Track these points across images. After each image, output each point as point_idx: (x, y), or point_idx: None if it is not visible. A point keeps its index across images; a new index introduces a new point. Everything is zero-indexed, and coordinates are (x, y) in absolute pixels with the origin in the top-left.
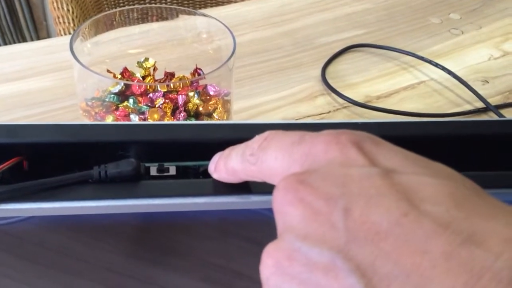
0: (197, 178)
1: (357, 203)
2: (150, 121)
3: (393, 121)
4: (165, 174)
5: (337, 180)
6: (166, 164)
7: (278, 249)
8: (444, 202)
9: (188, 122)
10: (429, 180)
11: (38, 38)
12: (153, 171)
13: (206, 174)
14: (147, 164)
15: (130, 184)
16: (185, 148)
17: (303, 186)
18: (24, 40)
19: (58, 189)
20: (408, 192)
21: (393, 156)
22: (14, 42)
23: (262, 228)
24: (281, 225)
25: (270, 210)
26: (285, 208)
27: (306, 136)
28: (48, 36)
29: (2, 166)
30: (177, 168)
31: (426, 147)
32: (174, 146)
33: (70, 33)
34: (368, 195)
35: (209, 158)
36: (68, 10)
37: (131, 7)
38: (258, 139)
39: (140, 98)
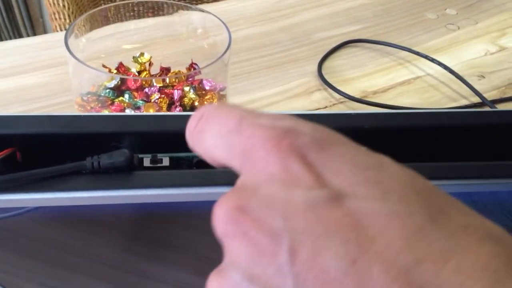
0: (190, 169)
1: (303, 244)
2: (143, 113)
3: (387, 112)
4: (159, 165)
5: (281, 209)
6: (159, 155)
7: (223, 287)
8: (395, 242)
9: (181, 113)
10: (380, 207)
11: (35, 35)
12: (147, 162)
13: (199, 165)
14: (140, 155)
15: (123, 174)
16: (178, 139)
17: (244, 217)
18: (20, 37)
19: (51, 179)
20: (357, 228)
21: (341, 165)
22: (11, 39)
23: None
24: (226, 255)
25: None
26: (229, 240)
27: (243, 124)
28: (45, 32)
29: None
30: (171, 159)
31: (419, 138)
32: (167, 137)
33: (66, 29)
34: (315, 234)
35: None
36: (64, 6)
37: (127, 1)
38: (193, 118)
39: (135, 93)
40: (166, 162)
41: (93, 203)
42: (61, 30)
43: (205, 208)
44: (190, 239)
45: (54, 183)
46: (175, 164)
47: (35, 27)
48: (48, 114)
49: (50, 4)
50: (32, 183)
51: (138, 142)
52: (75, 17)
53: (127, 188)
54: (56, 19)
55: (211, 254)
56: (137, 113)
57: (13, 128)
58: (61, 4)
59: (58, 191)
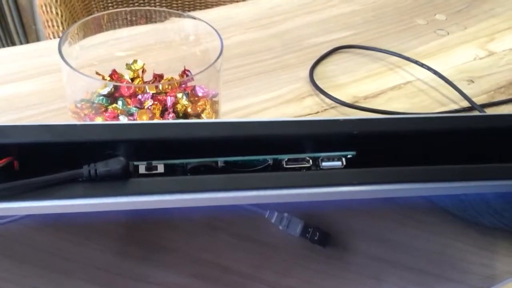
0: (184, 175)
1: None
2: (138, 121)
3: (376, 118)
4: (154, 172)
5: None
6: (154, 162)
7: None
8: None
9: (175, 121)
10: None
11: (28, 42)
12: (142, 169)
13: (193, 171)
14: (135, 163)
15: (119, 182)
16: (172, 146)
17: None
18: (13, 44)
19: (48, 187)
20: None
21: None
22: (4, 47)
23: (249, 223)
24: None
25: (256, 206)
26: None
27: None
28: (38, 40)
29: None
30: (165, 166)
31: (408, 143)
32: (162, 145)
33: (59, 37)
34: None
35: (195, 156)
36: (57, 13)
37: (120, 9)
38: None
39: (129, 100)
40: (161, 169)
41: (91, 210)
42: (54, 37)
43: (198, 212)
44: (183, 242)
45: (51, 191)
46: (170, 170)
47: (28, 34)
48: (45, 124)
49: (43, 12)
50: (30, 191)
51: (133, 149)
52: (68, 24)
53: (123, 195)
54: (49, 26)
55: (204, 256)
56: (132, 121)
57: (11, 137)
58: (54, 12)
59: (55, 198)
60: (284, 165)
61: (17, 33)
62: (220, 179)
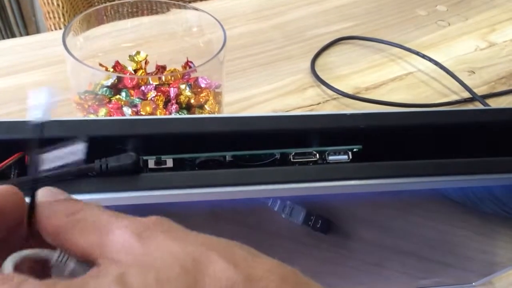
0: (193, 170)
1: None
2: (148, 116)
3: (381, 112)
4: (163, 166)
5: None
6: (163, 157)
7: None
8: None
9: (184, 116)
10: None
11: (27, 34)
12: (151, 163)
13: (202, 166)
14: (145, 157)
15: (130, 177)
16: (181, 141)
17: None
18: (13, 36)
19: (60, 182)
20: None
21: None
22: (3, 38)
23: (252, 211)
24: None
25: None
26: None
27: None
28: (37, 31)
29: (5, 162)
30: (174, 160)
31: (413, 137)
32: (171, 139)
33: (60, 28)
34: None
35: (204, 150)
36: (58, 5)
37: (122, 1)
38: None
39: (132, 91)
40: (170, 163)
41: (102, 205)
42: (55, 29)
43: (206, 207)
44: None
45: (64, 185)
46: (178, 165)
47: (28, 26)
48: (56, 119)
49: (44, 3)
50: (42, 186)
51: (143, 144)
52: (69, 16)
53: (135, 190)
54: (50, 18)
55: None
56: (142, 116)
57: (22, 133)
58: (55, 3)
59: (69, 193)
60: (291, 159)
61: (17, 24)
62: (228, 173)
